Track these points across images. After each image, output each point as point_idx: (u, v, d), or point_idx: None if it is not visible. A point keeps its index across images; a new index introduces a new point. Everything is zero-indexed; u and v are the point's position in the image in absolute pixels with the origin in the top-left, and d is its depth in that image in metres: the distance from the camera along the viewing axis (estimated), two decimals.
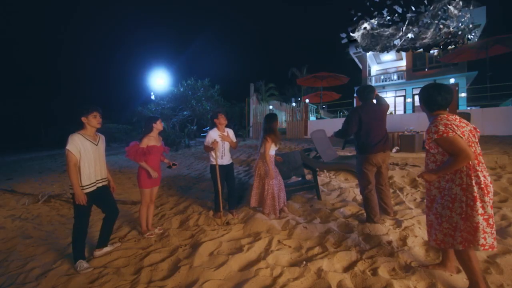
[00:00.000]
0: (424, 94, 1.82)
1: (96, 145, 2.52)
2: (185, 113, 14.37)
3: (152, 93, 15.62)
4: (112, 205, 2.68)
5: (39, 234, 3.31)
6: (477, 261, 1.70)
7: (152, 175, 2.93)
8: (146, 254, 2.60)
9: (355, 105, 10.69)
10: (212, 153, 3.34)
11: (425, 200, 1.96)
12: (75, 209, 2.43)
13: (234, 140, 3.57)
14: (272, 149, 3.30)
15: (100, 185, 2.55)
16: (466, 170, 1.62)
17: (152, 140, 3.01)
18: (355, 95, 17.71)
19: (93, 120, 2.46)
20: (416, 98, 17.31)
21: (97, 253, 2.61)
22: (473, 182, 1.60)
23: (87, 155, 2.40)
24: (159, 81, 15.69)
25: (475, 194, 1.58)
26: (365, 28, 9.17)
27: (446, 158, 1.68)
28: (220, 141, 3.38)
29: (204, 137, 3.60)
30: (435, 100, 1.76)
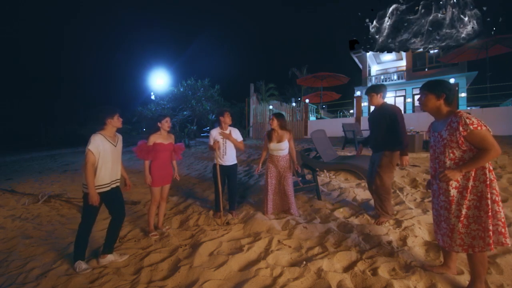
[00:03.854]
0: (448, 87, 1.74)
1: (115, 146, 2.53)
2: (185, 113, 14.36)
3: (152, 93, 15.62)
4: (120, 207, 2.63)
5: (39, 234, 3.31)
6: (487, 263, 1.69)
7: (146, 180, 2.96)
8: (146, 254, 2.60)
9: (355, 105, 10.72)
10: (215, 152, 3.34)
11: (435, 204, 1.85)
12: (84, 208, 2.43)
13: (240, 139, 3.50)
14: (271, 146, 3.31)
15: (114, 186, 2.55)
16: (488, 166, 1.59)
17: (159, 138, 3.02)
18: (355, 95, 17.74)
19: (117, 121, 2.51)
20: (416, 98, 17.29)
21: (101, 260, 2.51)
22: (494, 176, 1.60)
23: (105, 156, 2.41)
24: (159, 81, 15.68)
25: (497, 189, 1.59)
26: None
27: (466, 155, 1.62)
28: (221, 139, 3.37)
29: (204, 137, 3.61)
30: (454, 95, 1.76)
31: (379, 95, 2.89)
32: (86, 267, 2.37)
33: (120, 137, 2.66)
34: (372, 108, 3.08)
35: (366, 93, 2.98)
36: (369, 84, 18.92)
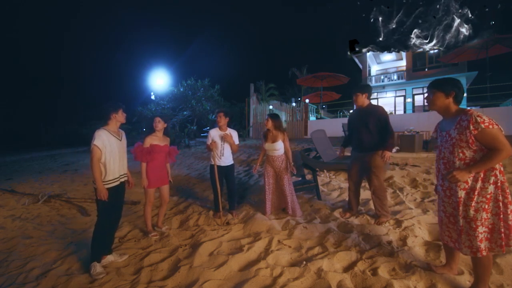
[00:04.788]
0: (458, 85, 1.69)
1: (120, 140, 2.54)
2: (185, 113, 14.36)
3: (152, 93, 15.62)
4: (119, 208, 2.62)
5: (39, 234, 3.31)
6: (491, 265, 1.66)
7: (142, 182, 2.95)
8: (146, 254, 2.60)
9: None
10: (212, 153, 3.35)
11: (440, 205, 1.80)
12: (98, 205, 2.41)
13: (236, 142, 3.49)
14: (266, 146, 3.33)
15: (122, 180, 2.56)
16: (499, 167, 1.54)
17: (155, 139, 3.02)
18: None
19: (122, 116, 2.53)
20: (416, 98, 17.32)
21: (101, 260, 2.48)
22: (504, 178, 1.55)
23: (112, 150, 2.42)
24: (159, 81, 15.68)
25: (508, 191, 1.53)
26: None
27: (477, 155, 1.55)
28: (219, 140, 3.37)
29: (204, 137, 3.61)
30: (463, 93, 1.71)
31: (364, 95, 2.93)
32: (101, 271, 2.31)
33: (123, 132, 2.68)
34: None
35: (352, 93, 2.99)
36: (369, 84, 18.93)
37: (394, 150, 6.32)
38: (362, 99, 2.93)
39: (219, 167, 3.37)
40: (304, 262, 2.16)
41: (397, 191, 3.80)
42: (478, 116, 1.52)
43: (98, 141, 2.33)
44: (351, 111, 19.86)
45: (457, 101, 1.70)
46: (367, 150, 2.90)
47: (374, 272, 1.98)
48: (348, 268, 2.09)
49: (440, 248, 2.21)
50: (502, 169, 1.56)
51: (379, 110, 2.89)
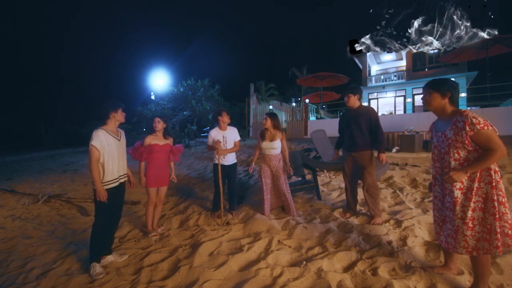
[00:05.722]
0: (453, 86, 1.70)
1: (119, 140, 2.51)
2: (185, 113, 14.37)
3: (152, 93, 15.65)
4: (119, 208, 2.61)
5: (39, 234, 3.31)
6: (490, 265, 1.66)
7: (140, 182, 2.96)
8: (146, 254, 2.60)
9: None
10: (215, 152, 3.34)
11: (436, 204, 1.81)
12: (96, 206, 2.39)
13: (237, 139, 3.52)
14: (263, 145, 3.32)
15: (122, 180, 2.54)
16: (494, 167, 1.55)
17: (155, 139, 3.02)
18: None
19: (121, 115, 2.49)
20: (416, 98, 17.32)
21: (101, 261, 2.47)
22: (500, 177, 1.55)
23: (111, 150, 2.39)
24: (159, 81, 15.71)
25: (503, 191, 1.55)
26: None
27: (471, 155, 1.58)
28: (222, 139, 3.38)
29: (204, 137, 3.60)
30: (458, 94, 1.73)
31: (356, 97, 3.00)
32: (101, 272, 2.30)
33: (122, 132, 2.64)
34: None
35: (344, 94, 3.06)
36: (369, 84, 18.94)
37: (394, 150, 6.32)
38: (353, 100, 3.00)
39: (222, 166, 3.37)
40: (304, 262, 2.16)
41: (397, 191, 3.80)
42: (473, 117, 1.54)
43: (96, 142, 2.30)
44: None
45: (453, 101, 1.72)
46: (359, 149, 2.96)
47: (374, 272, 1.98)
48: (348, 268, 2.09)
49: (440, 248, 2.21)
50: (497, 169, 1.58)
51: (370, 111, 2.98)
